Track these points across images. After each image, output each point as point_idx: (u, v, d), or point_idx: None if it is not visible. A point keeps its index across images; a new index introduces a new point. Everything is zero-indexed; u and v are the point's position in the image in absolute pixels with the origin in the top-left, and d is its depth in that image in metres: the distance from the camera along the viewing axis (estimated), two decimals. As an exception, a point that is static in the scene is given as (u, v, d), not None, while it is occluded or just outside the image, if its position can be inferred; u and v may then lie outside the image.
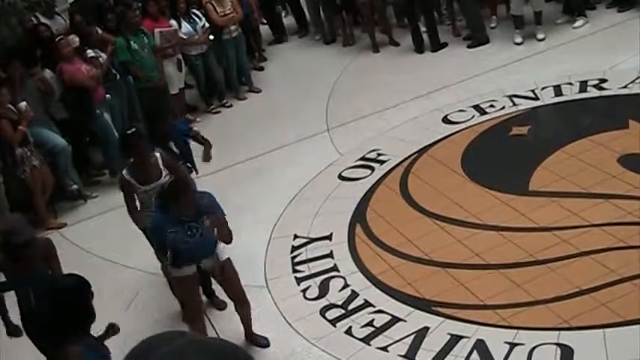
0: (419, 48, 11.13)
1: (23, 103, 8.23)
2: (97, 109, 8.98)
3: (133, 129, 6.46)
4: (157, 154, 6.33)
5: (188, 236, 5.53)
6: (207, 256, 5.75)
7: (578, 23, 10.49)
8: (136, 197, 6.42)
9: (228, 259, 5.84)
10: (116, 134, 9.25)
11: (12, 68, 8.58)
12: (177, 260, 5.70)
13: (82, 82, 8.86)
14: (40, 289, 5.40)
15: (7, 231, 5.38)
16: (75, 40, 9.04)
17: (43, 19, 9.93)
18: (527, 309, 5.80)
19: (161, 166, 6.24)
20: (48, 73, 8.95)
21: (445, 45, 11.04)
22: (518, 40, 10.45)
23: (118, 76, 9.51)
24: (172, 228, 5.51)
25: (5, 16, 8.22)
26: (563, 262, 6.16)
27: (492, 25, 11.12)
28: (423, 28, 11.14)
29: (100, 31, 9.54)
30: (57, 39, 9.09)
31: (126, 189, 6.38)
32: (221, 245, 5.81)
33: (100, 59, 9.16)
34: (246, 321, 6.06)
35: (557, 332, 5.50)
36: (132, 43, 9.52)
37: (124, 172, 6.34)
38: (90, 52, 9.10)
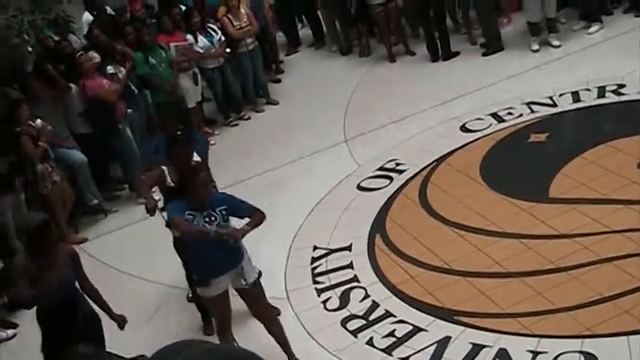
0: (434, 57, 11.15)
1: (38, 121, 8.30)
2: (119, 124, 9.05)
3: (179, 133, 6.48)
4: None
5: (207, 223, 5.47)
6: (232, 262, 5.58)
7: (593, 29, 10.47)
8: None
9: (256, 281, 5.72)
10: (136, 149, 9.32)
11: (31, 85, 8.68)
12: (203, 267, 5.60)
13: (105, 97, 8.93)
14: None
15: (23, 226, 5.53)
16: (95, 56, 9.12)
17: (57, 38, 9.99)
18: (549, 317, 5.76)
19: None
20: (73, 89, 9.03)
21: (457, 54, 11.05)
22: (535, 47, 10.43)
23: (136, 91, 9.57)
24: (190, 211, 5.48)
25: (24, 33, 8.31)
26: (585, 269, 6.12)
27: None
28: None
29: (119, 47, 9.59)
30: (77, 55, 9.17)
31: (157, 177, 6.39)
32: (250, 263, 5.71)
33: (120, 74, 9.23)
34: (282, 340, 5.86)
35: (580, 340, 5.47)
36: (150, 58, 9.60)
37: (166, 168, 6.34)
38: (110, 69, 9.18)
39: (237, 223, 5.76)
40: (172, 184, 6.22)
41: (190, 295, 7.07)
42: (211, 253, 5.51)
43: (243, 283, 5.64)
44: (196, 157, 6.42)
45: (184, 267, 6.58)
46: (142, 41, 9.67)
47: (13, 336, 7.28)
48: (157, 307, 7.21)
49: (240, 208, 5.68)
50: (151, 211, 6.37)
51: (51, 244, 5.55)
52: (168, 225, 6.15)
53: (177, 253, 6.49)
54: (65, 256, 5.63)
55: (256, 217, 5.64)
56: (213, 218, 5.51)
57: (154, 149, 6.96)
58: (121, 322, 5.87)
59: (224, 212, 5.55)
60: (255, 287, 5.73)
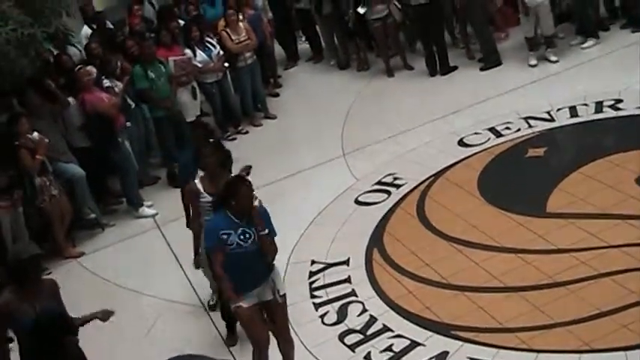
0: (432, 71, 11.18)
1: (35, 134, 8.31)
2: (118, 137, 9.05)
3: (211, 139, 6.46)
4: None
5: (241, 240, 5.43)
6: (263, 275, 5.56)
7: (587, 43, 10.53)
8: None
9: (285, 295, 5.72)
10: (135, 163, 9.32)
11: (28, 97, 8.69)
12: (236, 281, 5.50)
13: (104, 111, 8.94)
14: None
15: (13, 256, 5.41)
16: (92, 70, 9.14)
17: (56, 52, 10.01)
18: (547, 331, 5.75)
19: None
20: (72, 102, 9.04)
21: (455, 68, 11.09)
22: (533, 62, 10.48)
23: (133, 105, 9.58)
24: (226, 230, 5.43)
25: (24, 46, 8.32)
26: (583, 283, 6.12)
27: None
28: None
29: (119, 62, 9.62)
30: (76, 69, 9.20)
31: (188, 198, 6.39)
32: (279, 274, 5.72)
33: (116, 88, 9.24)
34: None
35: (578, 355, 5.46)
36: (149, 72, 9.62)
37: (196, 181, 6.34)
38: (106, 82, 9.19)
39: None
40: (206, 194, 6.20)
41: (212, 303, 7.02)
42: (248, 265, 5.47)
43: (278, 294, 5.61)
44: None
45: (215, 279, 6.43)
46: (142, 54, 9.69)
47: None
48: (154, 320, 7.19)
49: (270, 228, 5.60)
50: (196, 265, 6.58)
51: (37, 278, 5.36)
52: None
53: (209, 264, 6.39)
54: (48, 286, 5.43)
55: (273, 244, 5.63)
56: (247, 235, 5.45)
57: (185, 162, 7.00)
58: (105, 316, 5.52)
59: (260, 229, 5.48)
60: (284, 301, 5.72)
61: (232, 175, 6.28)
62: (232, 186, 5.53)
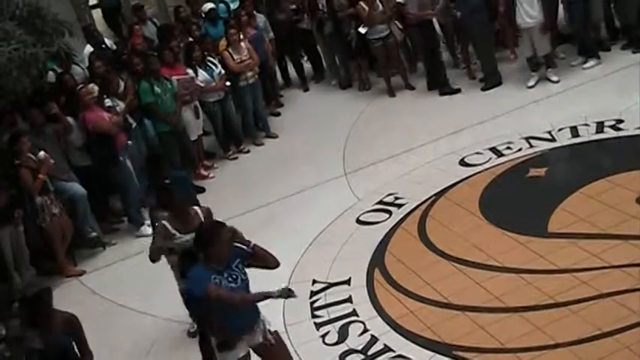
0: (431, 86, 11.22)
1: (41, 153, 8.33)
2: (120, 156, 9.07)
3: (167, 181, 6.37)
4: (196, 208, 6.31)
5: (231, 282, 5.18)
6: (254, 318, 5.40)
7: (589, 64, 10.57)
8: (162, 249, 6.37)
9: (277, 331, 5.54)
10: (137, 182, 9.33)
11: (31, 116, 8.72)
12: (230, 328, 5.27)
13: (106, 130, 8.96)
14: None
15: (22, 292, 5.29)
16: (94, 89, 9.18)
17: (60, 70, 10.05)
18: (548, 352, 5.73)
19: (202, 218, 6.12)
20: (71, 121, 9.06)
21: (458, 91, 11.09)
22: (531, 83, 10.50)
23: (134, 124, 9.60)
24: (215, 276, 5.13)
25: (26, 66, 8.37)
26: (584, 304, 6.10)
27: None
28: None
29: (121, 82, 9.66)
30: (78, 88, 9.23)
31: (161, 234, 6.32)
32: (265, 317, 5.54)
33: (118, 108, 9.26)
34: None
35: (579, 376, 5.44)
36: (155, 87, 9.66)
37: (164, 221, 6.28)
38: (107, 101, 9.22)
39: None
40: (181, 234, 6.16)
41: (192, 331, 7.01)
42: (245, 308, 5.29)
43: (269, 333, 5.44)
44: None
45: (199, 327, 6.32)
46: (148, 70, 9.72)
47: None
48: (154, 340, 7.18)
49: (246, 252, 5.35)
50: None
51: (47, 313, 5.18)
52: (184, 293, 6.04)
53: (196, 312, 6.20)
54: (62, 322, 5.24)
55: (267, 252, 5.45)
56: (235, 276, 5.20)
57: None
58: None
59: (240, 266, 5.27)
60: (279, 338, 5.55)
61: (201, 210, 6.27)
62: (211, 233, 5.18)
